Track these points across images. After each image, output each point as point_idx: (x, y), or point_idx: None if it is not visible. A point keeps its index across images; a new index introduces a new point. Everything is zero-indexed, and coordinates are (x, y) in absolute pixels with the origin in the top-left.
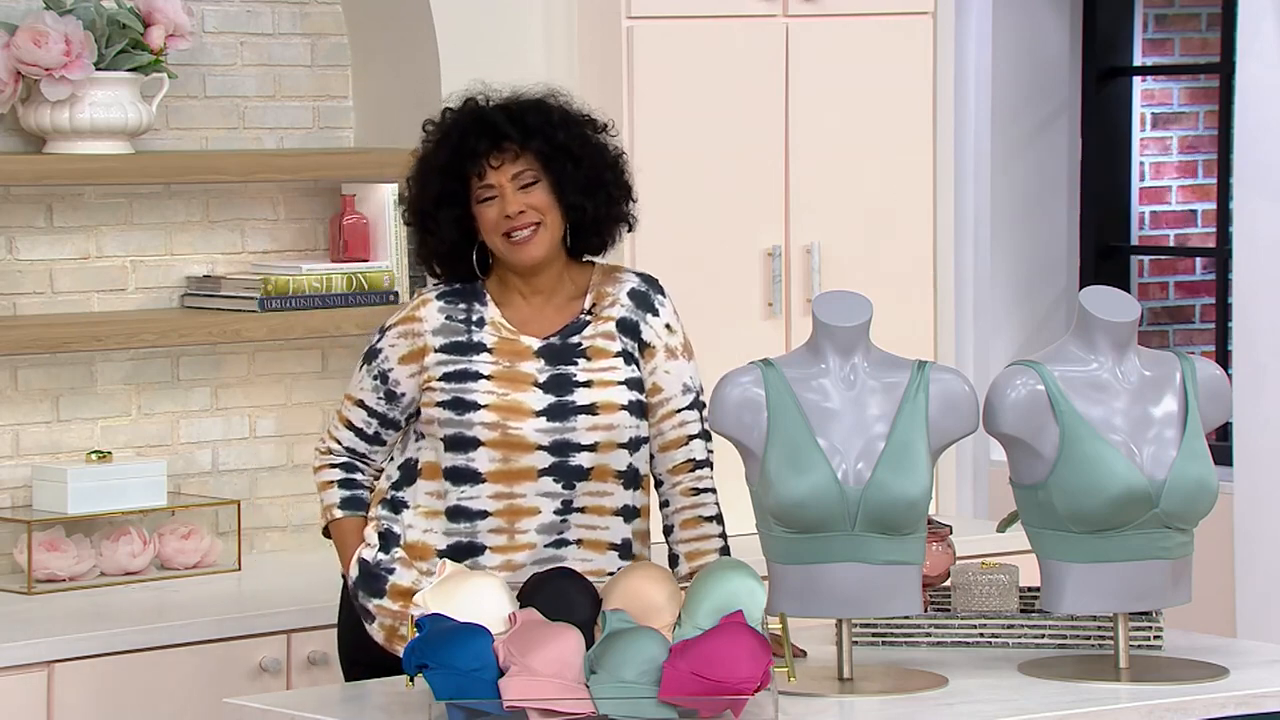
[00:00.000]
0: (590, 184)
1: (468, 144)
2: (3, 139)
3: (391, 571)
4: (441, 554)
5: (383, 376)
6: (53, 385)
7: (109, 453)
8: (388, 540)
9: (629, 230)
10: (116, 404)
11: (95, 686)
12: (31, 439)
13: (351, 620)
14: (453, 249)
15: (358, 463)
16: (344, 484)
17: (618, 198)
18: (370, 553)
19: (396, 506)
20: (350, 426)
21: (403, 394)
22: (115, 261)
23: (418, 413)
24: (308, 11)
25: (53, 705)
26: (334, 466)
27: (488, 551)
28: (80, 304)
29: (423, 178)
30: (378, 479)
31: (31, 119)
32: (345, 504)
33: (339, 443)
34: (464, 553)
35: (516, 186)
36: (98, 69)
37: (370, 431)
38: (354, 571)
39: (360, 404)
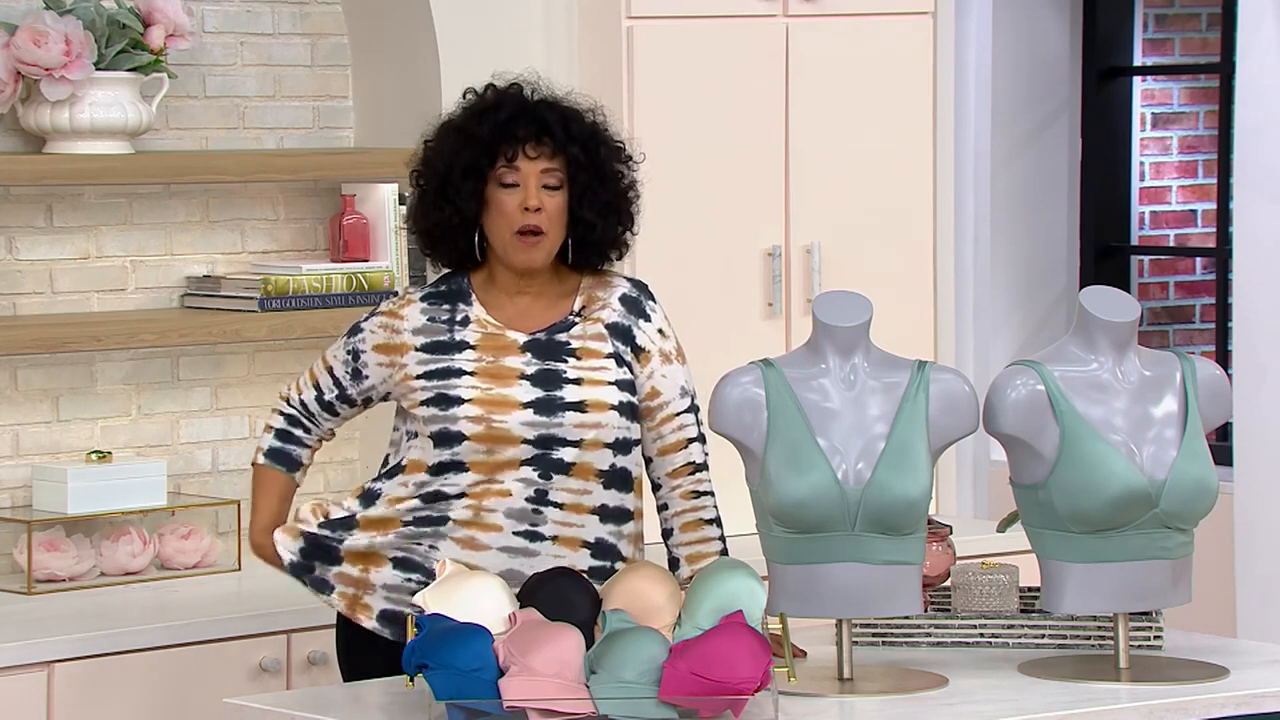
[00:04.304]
0: (608, 206)
1: (512, 126)
2: (3, 139)
3: (342, 541)
4: (406, 524)
5: (355, 354)
6: (53, 385)
7: (109, 453)
8: (343, 524)
9: (618, 258)
10: (116, 404)
11: (95, 686)
12: (31, 439)
13: (351, 625)
14: (460, 224)
15: (305, 421)
16: (281, 435)
17: (626, 225)
18: (311, 526)
19: (370, 498)
20: (315, 385)
21: (366, 377)
22: (115, 261)
23: (385, 400)
24: (308, 11)
25: (53, 705)
26: (282, 414)
27: (450, 523)
28: (80, 304)
29: (455, 144)
30: (322, 441)
31: (31, 119)
32: (271, 454)
33: (299, 394)
34: (429, 522)
35: (541, 184)
36: (98, 69)
37: (328, 398)
38: (292, 553)
39: (329, 370)
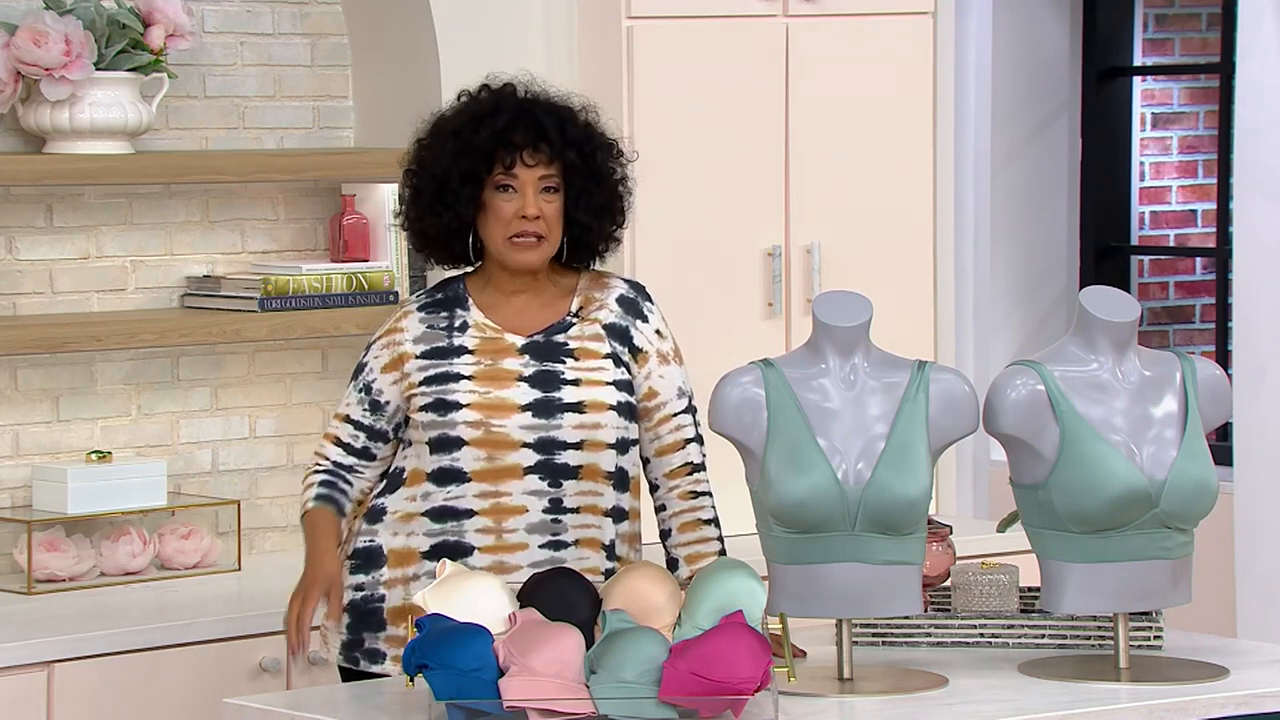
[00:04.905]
0: (603, 208)
1: (509, 133)
2: (3, 139)
3: (382, 599)
4: (425, 555)
5: (367, 388)
6: (53, 385)
7: (109, 453)
8: (370, 560)
9: (606, 252)
10: (116, 404)
11: (95, 686)
12: (31, 439)
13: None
14: (457, 229)
15: (340, 479)
16: (324, 484)
17: (620, 223)
18: (351, 592)
19: (376, 515)
20: (338, 443)
21: (387, 403)
22: (115, 261)
23: (407, 421)
24: (308, 11)
25: (53, 705)
26: (317, 472)
27: (476, 552)
28: (80, 304)
29: (452, 149)
30: (366, 495)
31: (31, 119)
32: (320, 498)
33: (326, 458)
34: (450, 552)
35: (539, 190)
36: (98, 69)
37: (358, 445)
38: (340, 634)
39: (346, 419)
